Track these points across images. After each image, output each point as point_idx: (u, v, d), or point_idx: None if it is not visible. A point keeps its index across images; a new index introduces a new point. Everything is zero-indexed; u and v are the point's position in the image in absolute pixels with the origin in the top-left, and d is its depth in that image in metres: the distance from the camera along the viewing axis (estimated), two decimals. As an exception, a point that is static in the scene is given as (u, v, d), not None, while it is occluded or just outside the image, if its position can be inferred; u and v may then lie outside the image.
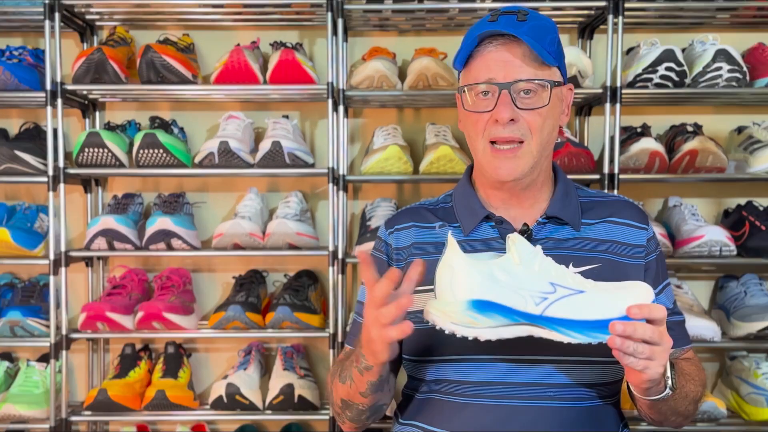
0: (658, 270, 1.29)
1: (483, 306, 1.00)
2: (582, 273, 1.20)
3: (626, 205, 1.32)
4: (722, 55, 2.08)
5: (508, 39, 1.19)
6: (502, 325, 1.02)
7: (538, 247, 1.06)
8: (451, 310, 1.01)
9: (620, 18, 2.05)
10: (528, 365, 1.17)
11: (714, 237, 2.08)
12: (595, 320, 1.01)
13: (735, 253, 2.10)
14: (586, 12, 2.21)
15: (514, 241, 1.04)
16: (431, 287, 1.07)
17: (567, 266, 1.08)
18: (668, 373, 1.10)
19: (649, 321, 1.02)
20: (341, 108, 2.15)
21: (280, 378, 2.16)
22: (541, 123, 1.19)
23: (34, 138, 2.24)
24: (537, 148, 1.20)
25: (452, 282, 1.01)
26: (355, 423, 1.29)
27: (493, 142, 1.21)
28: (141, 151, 2.12)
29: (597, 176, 2.10)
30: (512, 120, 1.18)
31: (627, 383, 1.35)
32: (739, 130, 2.25)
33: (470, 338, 1.02)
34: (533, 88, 1.18)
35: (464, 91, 1.23)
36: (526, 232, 1.25)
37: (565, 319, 1.01)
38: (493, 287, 1.01)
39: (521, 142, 1.20)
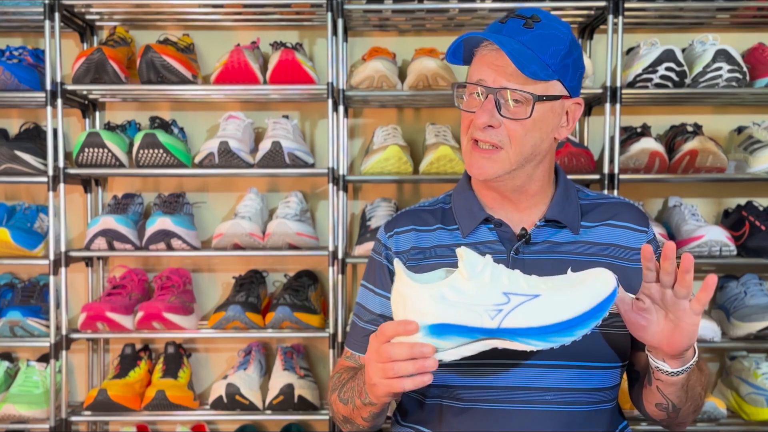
0: None
1: (440, 329, 0.99)
2: None
3: (626, 207, 1.31)
4: (722, 55, 2.08)
5: None
6: (463, 344, 1.01)
7: (488, 257, 1.03)
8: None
9: (620, 18, 2.05)
10: (525, 370, 1.17)
11: (714, 237, 2.08)
12: (553, 324, 0.99)
13: (735, 253, 2.09)
14: (586, 12, 2.21)
15: (462, 255, 1.01)
16: None
17: (566, 270, 1.06)
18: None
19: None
20: (341, 108, 2.15)
21: (280, 378, 2.16)
22: (521, 134, 1.18)
23: (34, 138, 2.24)
24: (515, 157, 1.19)
25: (406, 310, 1.01)
26: None
27: (476, 141, 1.22)
28: (141, 151, 2.12)
29: (597, 176, 2.10)
30: (491, 126, 1.18)
31: (629, 387, 1.35)
32: (739, 130, 2.25)
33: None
34: (520, 98, 1.17)
35: (459, 89, 1.24)
36: (524, 236, 1.24)
37: (522, 328, 0.99)
38: (446, 309, 0.99)
39: (499, 148, 1.19)
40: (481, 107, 1.18)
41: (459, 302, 0.99)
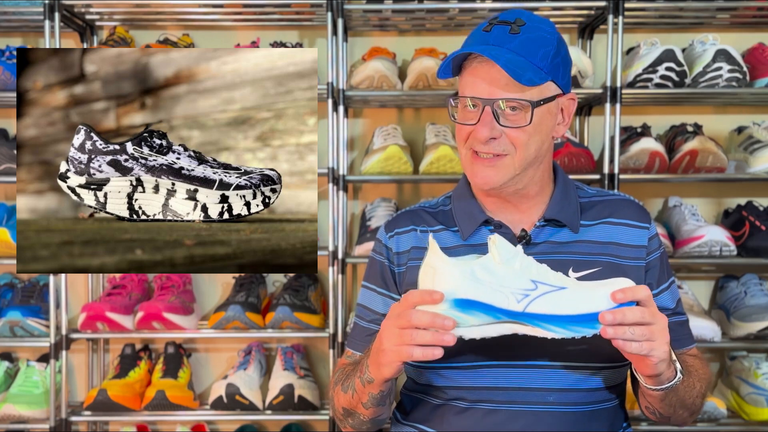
0: (661, 268, 1.27)
1: (466, 304, 1.01)
2: (582, 277, 1.19)
3: (626, 204, 1.30)
4: (722, 55, 2.08)
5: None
6: (485, 324, 1.02)
7: (519, 247, 1.05)
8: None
9: (620, 18, 2.05)
10: (528, 370, 1.17)
11: (714, 237, 2.08)
12: (577, 314, 1.02)
13: (735, 253, 2.09)
14: (586, 12, 2.21)
15: (494, 241, 1.04)
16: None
17: (567, 271, 1.07)
18: (674, 357, 1.10)
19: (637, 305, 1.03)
20: (341, 108, 2.15)
21: (280, 378, 2.16)
22: (525, 140, 1.17)
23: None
24: (520, 162, 1.18)
25: (434, 282, 1.02)
26: (356, 429, 1.29)
27: (476, 151, 1.20)
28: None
29: (597, 176, 2.10)
30: (493, 138, 1.17)
31: (632, 383, 1.35)
32: (739, 130, 2.25)
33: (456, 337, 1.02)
34: (517, 105, 1.16)
35: (452, 102, 1.22)
36: (525, 237, 1.24)
37: (547, 315, 1.02)
38: (475, 286, 1.01)
39: (504, 155, 1.18)
40: (480, 121, 1.16)
41: (488, 281, 1.01)
